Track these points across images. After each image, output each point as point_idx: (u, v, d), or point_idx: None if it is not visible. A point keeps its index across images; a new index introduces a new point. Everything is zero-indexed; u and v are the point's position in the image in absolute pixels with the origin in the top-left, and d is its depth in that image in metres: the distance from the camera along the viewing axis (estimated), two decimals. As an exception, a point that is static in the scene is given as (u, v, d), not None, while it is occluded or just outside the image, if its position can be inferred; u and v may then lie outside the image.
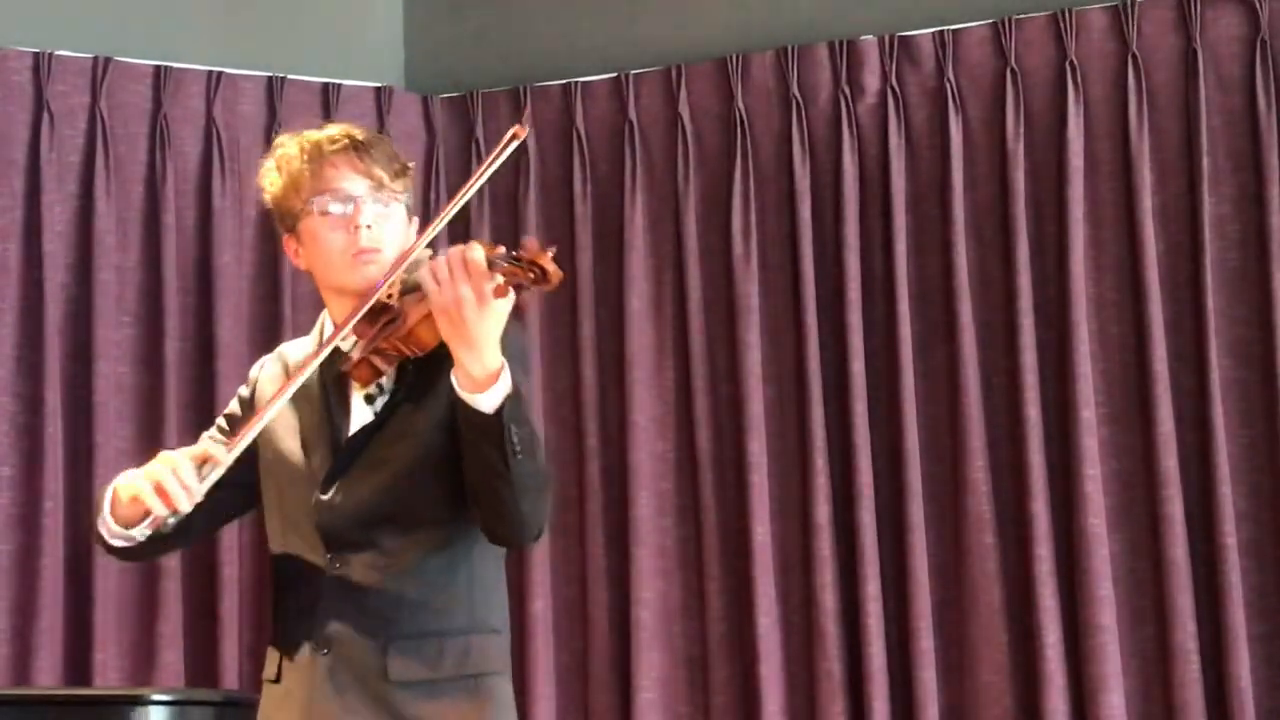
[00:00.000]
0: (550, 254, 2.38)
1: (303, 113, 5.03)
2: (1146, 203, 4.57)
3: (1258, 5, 4.56)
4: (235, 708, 4.06)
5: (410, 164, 2.79)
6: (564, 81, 5.03)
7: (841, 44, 4.84)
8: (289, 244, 2.75)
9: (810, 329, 4.74)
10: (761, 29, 4.98)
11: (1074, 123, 4.64)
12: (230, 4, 5.14)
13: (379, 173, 2.69)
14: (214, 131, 4.93)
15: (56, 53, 4.82)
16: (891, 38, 4.81)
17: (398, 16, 5.30)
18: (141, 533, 2.60)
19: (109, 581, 4.66)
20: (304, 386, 2.67)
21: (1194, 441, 4.49)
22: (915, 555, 4.58)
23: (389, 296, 2.58)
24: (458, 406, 2.45)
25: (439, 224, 2.64)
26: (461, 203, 2.63)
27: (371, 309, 2.58)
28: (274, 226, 2.80)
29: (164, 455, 2.58)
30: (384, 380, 2.63)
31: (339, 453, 2.64)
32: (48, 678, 4.56)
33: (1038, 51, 4.72)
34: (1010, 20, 4.73)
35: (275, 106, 5.00)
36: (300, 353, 2.78)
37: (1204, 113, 4.55)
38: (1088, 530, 4.46)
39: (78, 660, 4.63)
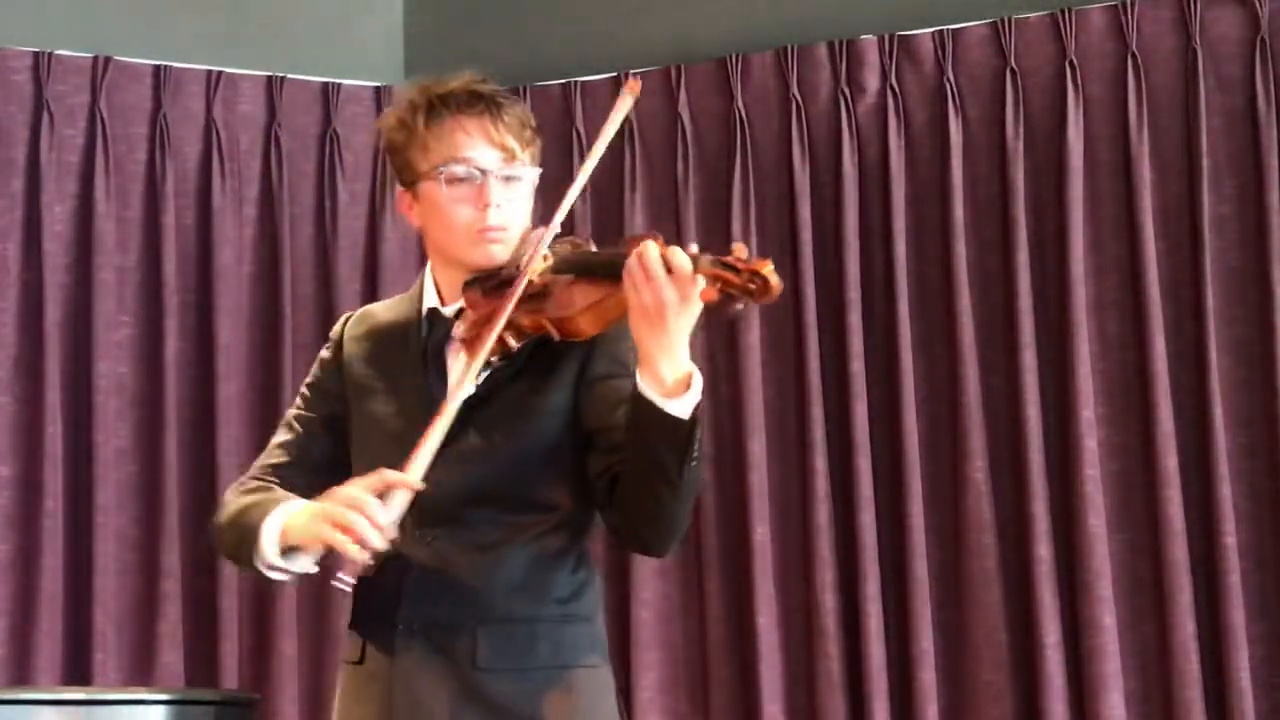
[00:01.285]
0: (769, 263, 2.26)
1: (303, 113, 5.03)
2: (1146, 203, 4.57)
3: (1258, 5, 4.56)
4: (235, 708, 4.06)
5: (539, 129, 2.64)
6: (564, 81, 5.04)
7: (841, 44, 4.84)
8: (404, 198, 2.62)
9: (810, 329, 4.74)
10: (761, 29, 4.98)
11: (1074, 123, 4.64)
12: (230, 4, 5.14)
13: (511, 143, 2.55)
14: (214, 131, 4.93)
15: (56, 53, 4.82)
16: (891, 38, 4.81)
17: (398, 16, 5.30)
18: (307, 567, 2.47)
19: (109, 581, 4.66)
20: (399, 350, 2.57)
21: (1194, 441, 4.49)
22: (915, 555, 4.58)
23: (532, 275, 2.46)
24: (641, 408, 2.32)
25: (569, 201, 2.50)
26: (589, 172, 2.52)
27: (503, 281, 2.47)
28: (390, 176, 2.65)
29: (340, 493, 2.39)
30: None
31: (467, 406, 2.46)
32: (48, 678, 4.56)
33: (1038, 51, 4.72)
34: (1010, 20, 4.73)
35: (275, 106, 5.00)
36: (390, 320, 2.64)
37: (1204, 113, 4.55)
38: (1088, 530, 4.46)
39: (78, 660, 4.63)
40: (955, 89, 4.76)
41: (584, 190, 2.64)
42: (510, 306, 2.43)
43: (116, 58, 4.88)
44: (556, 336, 2.46)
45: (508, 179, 2.55)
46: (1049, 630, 4.46)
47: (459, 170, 2.53)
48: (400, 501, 2.36)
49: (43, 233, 4.74)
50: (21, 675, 4.57)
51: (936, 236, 4.74)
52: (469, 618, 2.48)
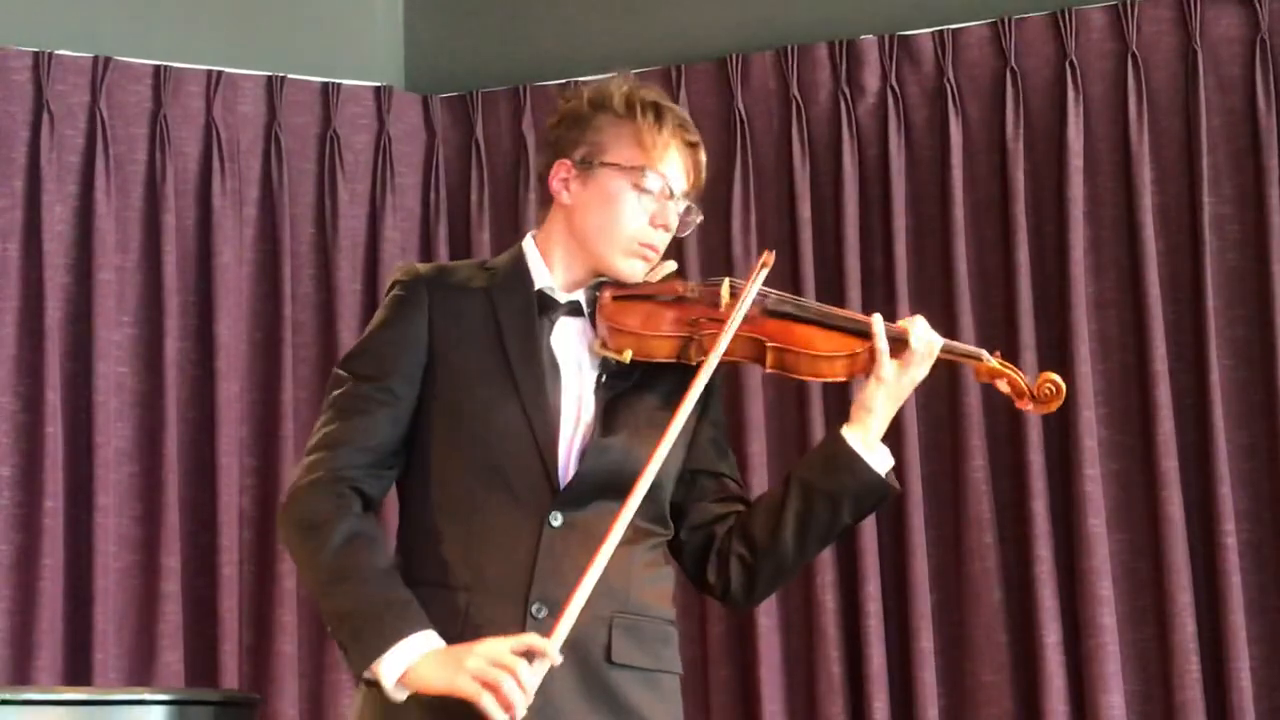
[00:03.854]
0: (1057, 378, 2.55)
1: (303, 113, 5.03)
2: (1146, 203, 4.57)
3: (1258, 5, 4.56)
4: (235, 708, 4.05)
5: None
6: (564, 81, 5.03)
7: (841, 44, 4.84)
8: (565, 169, 2.57)
9: (810, 329, 4.74)
10: (761, 29, 4.98)
11: (1074, 123, 4.64)
12: (230, 4, 5.14)
13: (699, 181, 2.64)
14: (214, 131, 4.93)
15: (56, 53, 4.82)
16: (891, 38, 4.81)
17: (398, 16, 5.30)
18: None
19: (109, 581, 4.66)
20: (515, 321, 2.50)
21: (1194, 441, 4.49)
22: (915, 555, 4.58)
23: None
24: (847, 463, 2.46)
25: (735, 321, 2.50)
26: (739, 318, 2.52)
27: (681, 298, 2.55)
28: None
29: (486, 651, 2.29)
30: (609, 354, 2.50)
31: (597, 407, 2.46)
32: (48, 678, 4.56)
33: (1038, 51, 4.72)
34: (1010, 20, 4.73)
35: (275, 106, 5.00)
36: (482, 281, 2.55)
37: (1204, 113, 4.55)
38: (1088, 530, 4.46)
39: (78, 660, 4.63)
40: (955, 89, 4.76)
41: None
42: (740, 318, 2.49)
43: (116, 58, 4.88)
44: (770, 370, 2.54)
45: (683, 213, 2.59)
46: (1049, 630, 4.46)
47: (657, 183, 2.56)
48: (543, 666, 2.29)
49: (43, 233, 4.74)
50: (21, 675, 4.57)
51: (936, 236, 4.74)
52: (604, 607, 2.41)
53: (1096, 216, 4.64)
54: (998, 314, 4.67)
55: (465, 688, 2.27)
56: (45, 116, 4.78)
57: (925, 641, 4.55)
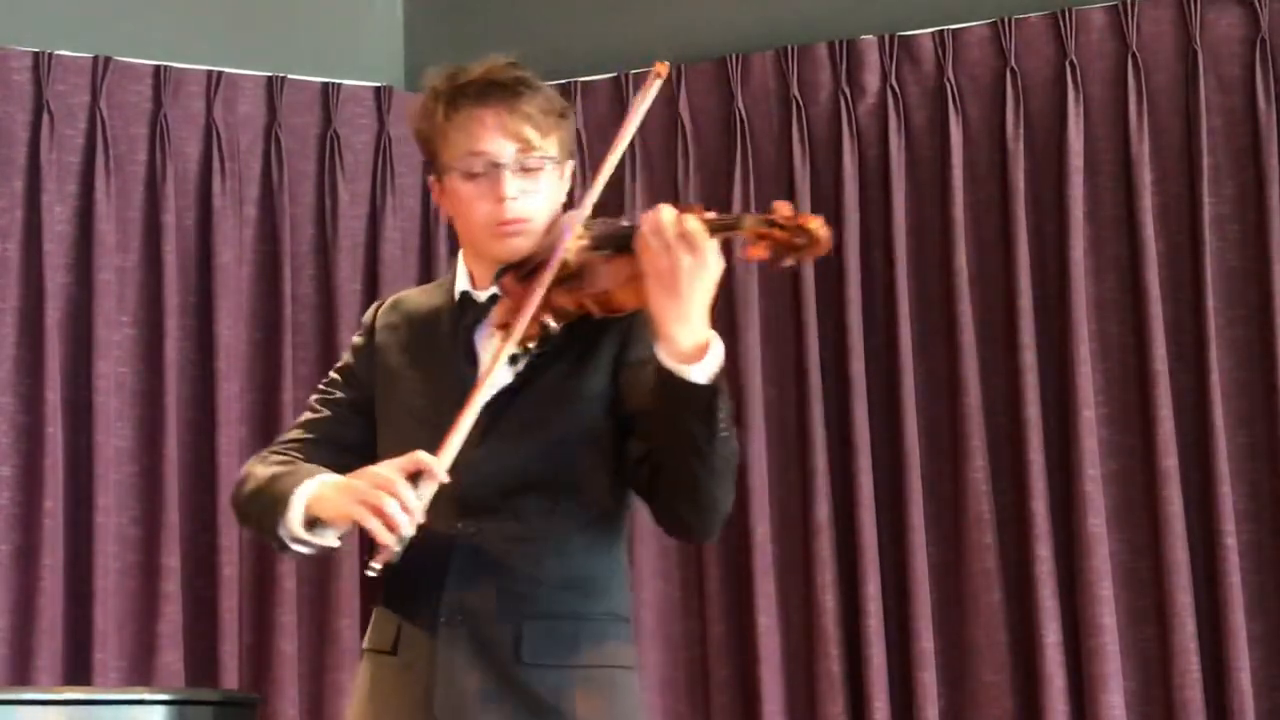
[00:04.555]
0: (816, 219, 2.26)
1: (303, 113, 5.03)
2: (1146, 203, 4.57)
3: (1258, 5, 4.56)
4: (235, 708, 4.05)
5: (567, 108, 2.59)
6: (564, 81, 5.03)
7: (841, 44, 4.84)
8: (434, 188, 2.60)
9: (810, 329, 4.74)
10: (761, 29, 4.98)
11: (1074, 123, 4.64)
12: (230, 4, 5.14)
13: (528, 133, 2.50)
14: (214, 131, 4.93)
15: (56, 53, 4.82)
16: (891, 38, 4.81)
17: (398, 16, 5.30)
18: (330, 541, 2.45)
19: (109, 581, 4.66)
20: (430, 335, 2.55)
21: (1194, 441, 4.49)
22: (915, 555, 4.58)
23: (568, 255, 2.43)
24: (662, 378, 2.31)
25: (598, 187, 2.48)
26: (619, 153, 2.48)
27: (538, 266, 2.44)
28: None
29: (372, 472, 2.36)
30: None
31: (484, 410, 2.42)
32: (48, 678, 4.56)
33: (1038, 51, 4.72)
34: (1010, 20, 4.73)
35: (275, 106, 5.00)
36: (424, 306, 2.61)
37: (1204, 113, 4.56)
38: (1088, 530, 4.46)
39: (78, 660, 4.63)
40: (955, 89, 4.76)
41: (583, 193, 2.63)
42: (545, 286, 2.40)
43: (116, 58, 4.88)
44: (597, 313, 2.43)
45: (526, 170, 2.51)
46: (1049, 630, 4.46)
47: (475, 164, 2.51)
48: (430, 487, 2.33)
49: (43, 233, 4.74)
50: (21, 675, 4.57)
51: (936, 236, 4.74)
52: (513, 611, 2.43)
53: (1096, 216, 4.64)
54: (998, 314, 4.67)
55: (355, 513, 2.33)
56: (45, 116, 4.78)
57: (925, 641, 4.55)
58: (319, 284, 4.99)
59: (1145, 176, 4.58)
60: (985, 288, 4.70)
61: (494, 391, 2.44)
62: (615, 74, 5.02)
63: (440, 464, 2.33)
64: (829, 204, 4.81)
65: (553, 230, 2.51)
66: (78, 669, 4.63)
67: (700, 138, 4.95)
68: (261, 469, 2.55)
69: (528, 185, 2.51)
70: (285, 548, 2.49)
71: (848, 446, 4.69)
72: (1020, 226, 4.64)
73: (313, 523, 2.44)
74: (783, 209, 2.27)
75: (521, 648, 2.43)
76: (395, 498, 2.30)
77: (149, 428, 4.78)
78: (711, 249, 2.27)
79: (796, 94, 4.86)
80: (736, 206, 4.84)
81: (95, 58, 4.85)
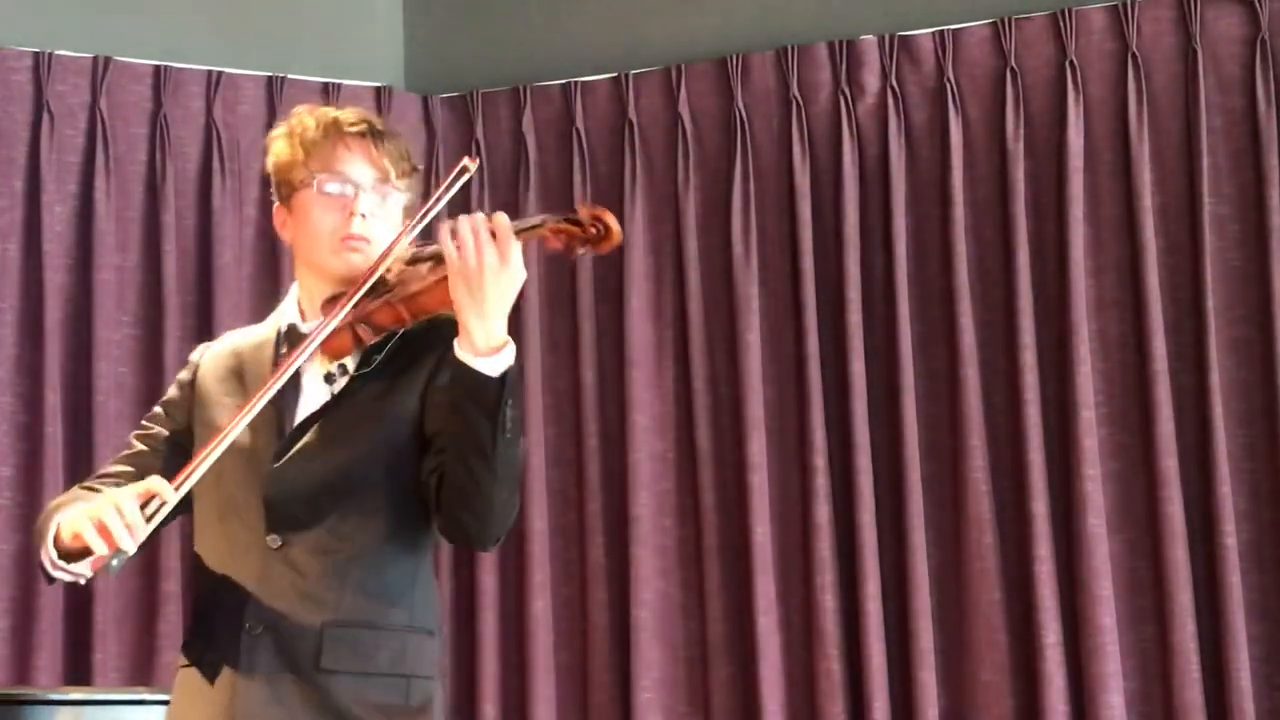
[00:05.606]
0: (609, 213, 2.41)
1: (303, 113, 5.03)
2: (1146, 203, 4.57)
3: (1258, 5, 4.56)
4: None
5: (419, 168, 2.77)
6: (564, 81, 5.04)
7: (841, 44, 4.84)
8: (279, 214, 2.71)
9: (810, 329, 4.74)
10: (761, 29, 4.98)
11: (1074, 123, 4.64)
12: (230, 4, 5.14)
13: (388, 165, 2.67)
14: (214, 131, 4.93)
15: (56, 53, 4.82)
16: (891, 38, 4.81)
17: (398, 16, 5.30)
18: (83, 570, 2.49)
19: (109, 581, 4.66)
20: (254, 364, 2.64)
21: (1194, 441, 4.50)
22: (915, 555, 4.58)
23: (387, 274, 2.55)
24: (455, 372, 2.40)
25: (396, 249, 2.58)
26: (417, 229, 2.61)
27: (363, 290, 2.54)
28: (270, 195, 2.74)
29: (109, 493, 2.47)
30: (346, 361, 2.59)
31: (294, 426, 2.57)
32: (48, 678, 4.56)
33: (1038, 51, 4.72)
34: (1010, 20, 4.73)
35: (275, 106, 5.00)
36: (252, 339, 2.72)
37: (1204, 113, 4.56)
38: (1088, 530, 4.47)
39: (78, 660, 4.64)
40: (955, 89, 4.76)
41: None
42: (359, 293, 2.51)
43: (116, 58, 4.88)
44: (409, 320, 2.53)
45: (380, 197, 2.65)
46: (1049, 630, 4.46)
47: (334, 181, 2.64)
48: (161, 513, 2.42)
49: (43, 233, 4.74)
50: (21, 675, 4.57)
51: (936, 236, 4.74)
52: (315, 619, 2.52)
53: (1096, 216, 4.64)
54: (998, 314, 4.67)
55: (83, 530, 2.41)
56: (45, 116, 4.79)
57: (925, 641, 4.55)
58: (319, 284, 4.99)
59: (1145, 176, 4.58)
60: (985, 288, 4.70)
61: (310, 410, 2.57)
62: (615, 74, 5.02)
63: (170, 490, 2.41)
64: (829, 204, 4.81)
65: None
66: (78, 669, 4.63)
67: (700, 138, 4.95)
68: (57, 500, 2.63)
69: (377, 210, 2.65)
70: (49, 577, 2.55)
71: (848, 446, 4.69)
72: (1020, 226, 4.64)
73: (66, 551, 2.49)
74: (581, 208, 2.43)
75: (322, 656, 2.51)
76: (120, 516, 2.37)
77: (149, 428, 4.78)
78: (515, 250, 2.40)
79: (796, 94, 4.86)
80: (736, 206, 4.84)
81: (95, 58, 4.85)
